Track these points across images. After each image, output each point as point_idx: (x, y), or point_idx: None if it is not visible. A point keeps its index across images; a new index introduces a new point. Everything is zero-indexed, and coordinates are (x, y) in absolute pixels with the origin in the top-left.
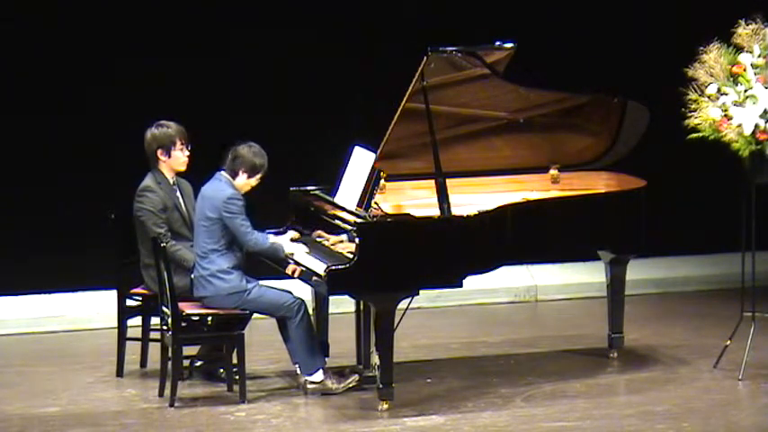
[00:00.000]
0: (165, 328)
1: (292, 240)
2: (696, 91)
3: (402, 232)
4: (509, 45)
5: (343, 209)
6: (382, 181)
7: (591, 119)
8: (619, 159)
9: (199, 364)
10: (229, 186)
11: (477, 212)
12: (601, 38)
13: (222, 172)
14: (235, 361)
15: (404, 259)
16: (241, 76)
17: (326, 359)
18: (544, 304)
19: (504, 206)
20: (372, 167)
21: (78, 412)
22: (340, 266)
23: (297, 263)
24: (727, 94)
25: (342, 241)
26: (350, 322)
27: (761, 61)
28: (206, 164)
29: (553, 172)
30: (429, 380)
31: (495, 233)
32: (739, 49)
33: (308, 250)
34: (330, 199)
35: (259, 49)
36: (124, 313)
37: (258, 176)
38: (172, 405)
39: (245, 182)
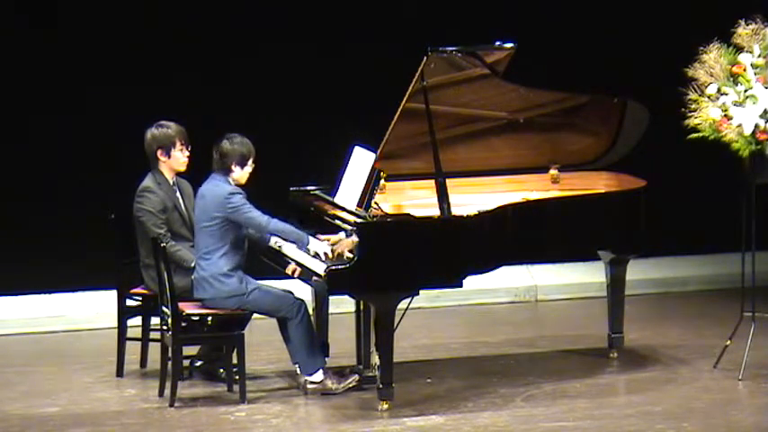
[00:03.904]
0: (165, 328)
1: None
2: (696, 91)
3: (402, 232)
4: (509, 45)
5: (343, 209)
6: (382, 181)
7: (591, 119)
8: (619, 159)
9: (199, 364)
10: (226, 183)
11: (477, 212)
12: (601, 38)
13: (215, 173)
14: (235, 361)
15: (404, 259)
16: (241, 76)
17: (326, 359)
18: (544, 304)
19: (504, 206)
20: (372, 167)
21: (78, 412)
22: (340, 266)
23: (297, 263)
24: (727, 94)
25: (340, 240)
26: (350, 322)
27: (761, 61)
28: (206, 164)
29: (553, 172)
30: (429, 380)
31: (495, 233)
32: (739, 49)
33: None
34: (330, 199)
35: (259, 49)
36: (124, 313)
37: (250, 163)
38: (172, 405)
39: (240, 174)
